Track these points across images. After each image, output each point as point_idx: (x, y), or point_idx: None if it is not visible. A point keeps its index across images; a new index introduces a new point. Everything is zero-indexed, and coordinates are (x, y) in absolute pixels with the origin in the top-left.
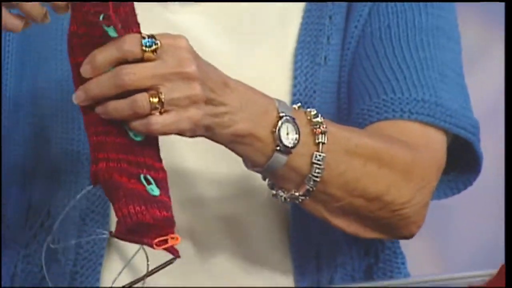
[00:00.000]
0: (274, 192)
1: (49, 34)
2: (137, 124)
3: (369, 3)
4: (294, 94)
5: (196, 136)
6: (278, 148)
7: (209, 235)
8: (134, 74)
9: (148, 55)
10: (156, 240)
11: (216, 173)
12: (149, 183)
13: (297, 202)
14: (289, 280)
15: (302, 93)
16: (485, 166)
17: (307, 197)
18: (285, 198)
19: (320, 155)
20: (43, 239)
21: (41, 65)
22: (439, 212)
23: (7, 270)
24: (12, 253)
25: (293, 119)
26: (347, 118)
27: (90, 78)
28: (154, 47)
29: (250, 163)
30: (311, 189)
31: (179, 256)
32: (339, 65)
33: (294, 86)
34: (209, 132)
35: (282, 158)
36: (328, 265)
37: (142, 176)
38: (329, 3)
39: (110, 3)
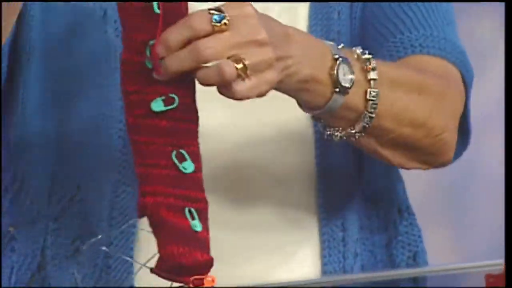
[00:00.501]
0: (328, 132)
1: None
2: (225, 91)
3: None
4: None
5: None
6: (337, 89)
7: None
8: (213, 47)
9: (219, 28)
10: (193, 279)
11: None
12: (192, 217)
13: (353, 139)
14: (315, 253)
15: None
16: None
17: (363, 134)
18: (340, 137)
19: (374, 91)
20: (74, 212)
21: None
22: (457, 201)
23: (33, 243)
24: (39, 227)
25: (347, 59)
26: None
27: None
28: (224, 21)
29: (309, 107)
30: (366, 125)
31: None
32: (350, 34)
33: None
34: (279, 84)
35: (340, 98)
36: (352, 239)
37: (187, 209)
38: None
39: (158, 33)
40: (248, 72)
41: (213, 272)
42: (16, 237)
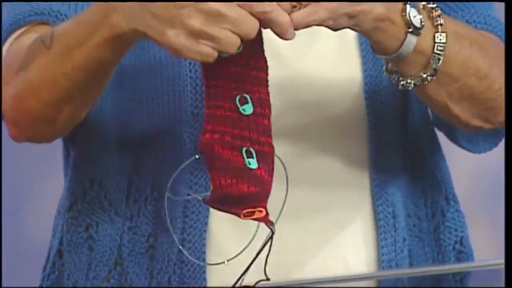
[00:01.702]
0: (403, 82)
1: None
2: (279, 29)
3: None
4: (364, 71)
5: (342, 27)
6: (410, 30)
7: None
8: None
9: None
10: (244, 211)
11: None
12: (249, 156)
13: (425, 83)
14: (371, 238)
15: (372, 69)
16: None
17: (434, 77)
18: (414, 84)
19: (441, 35)
20: (149, 211)
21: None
22: (499, 200)
23: (111, 241)
24: (117, 226)
25: (416, 4)
26: None
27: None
28: None
29: (384, 50)
30: (436, 68)
31: (273, 231)
32: None
33: (364, 63)
34: (353, 20)
35: (412, 40)
36: (401, 225)
37: (244, 149)
38: None
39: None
40: (305, 3)
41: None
42: (94, 237)
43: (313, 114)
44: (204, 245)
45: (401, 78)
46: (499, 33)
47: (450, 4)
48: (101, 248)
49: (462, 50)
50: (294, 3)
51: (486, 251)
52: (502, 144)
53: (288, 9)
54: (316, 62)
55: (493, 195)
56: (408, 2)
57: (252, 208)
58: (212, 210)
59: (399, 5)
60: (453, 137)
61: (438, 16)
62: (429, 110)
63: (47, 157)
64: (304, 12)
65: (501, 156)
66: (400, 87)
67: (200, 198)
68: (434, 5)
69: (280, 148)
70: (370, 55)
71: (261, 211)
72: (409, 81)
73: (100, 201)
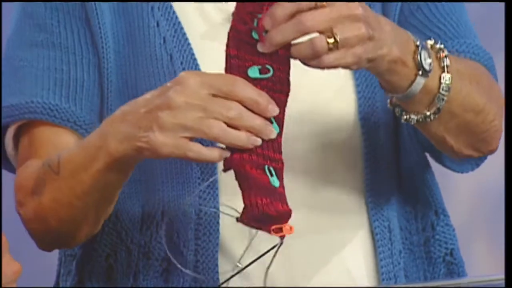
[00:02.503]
0: (405, 117)
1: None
2: (314, 63)
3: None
4: (356, 79)
5: (360, 68)
6: (420, 72)
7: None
8: (314, 19)
9: (320, 4)
10: (274, 227)
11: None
12: (271, 174)
13: (428, 120)
14: (370, 252)
15: (364, 91)
16: None
17: (437, 115)
18: (417, 120)
19: (447, 76)
20: (161, 236)
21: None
22: (498, 214)
23: (127, 268)
24: (132, 254)
25: (426, 46)
26: None
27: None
28: None
29: (393, 89)
30: (440, 107)
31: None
32: None
33: (356, 79)
34: (371, 63)
35: (421, 81)
36: (397, 238)
37: (266, 167)
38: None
39: (265, 8)
40: (339, 45)
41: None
42: (113, 266)
43: (312, 143)
44: (217, 265)
45: (404, 113)
46: (485, 63)
47: (441, 34)
48: (118, 276)
49: (463, 88)
50: (331, 44)
51: (486, 267)
52: (501, 155)
53: (324, 49)
54: (313, 94)
55: (494, 211)
56: (421, 44)
57: (280, 224)
58: (222, 231)
59: (412, 46)
60: (438, 158)
61: (445, 57)
62: (416, 132)
63: None
64: (334, 56)
65: (501, 173)
66: (402, 120)
67: (234, 215)
68: (442, 46)
69: None
70: (364, 86)
71: (290, 228)
72: (412, 116)
73: (118, 231)
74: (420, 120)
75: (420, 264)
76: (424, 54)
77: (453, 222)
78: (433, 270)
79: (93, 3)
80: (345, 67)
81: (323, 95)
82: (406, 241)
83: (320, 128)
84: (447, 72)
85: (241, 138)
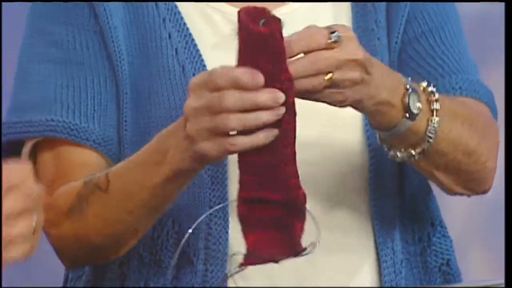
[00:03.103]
0: (392, 153)
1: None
2: (310, 96)
3: (403, 23)
4: (366, 131)
5: (345, 106)
6: (407, 115)
7: None
8: (327, 59)
9: (332, 45)
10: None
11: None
12: None
13: (413, 159)
14: (373, 262)
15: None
16: None
17: (421, 155)
18: (402, 158)
19: (435, 120)
20: (171, 245)
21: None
22: (495, 220)
23: (138, 276)
24: (144, 261)
25: (416, 90)
26: None
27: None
28: (337, 39)
29: (379, 128)
30: (426, 148)
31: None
32: (389, 60)
33: (366, 124)
34: (358, 104)
35: (408, 123)
36: (398, 248)
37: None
38: (371, 9)
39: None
40: (332, 84)
41: None
42: (125, 273)
43: (321, 171)
44: (226, 275)
45: (391, 149)
46: (485, 100)
47: (440, 70)
48: (130, 283)
49: (454, 130)
50: (329, 81)
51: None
52: (500, 162)
53: (322, 86)
54: (322, 121)
55: (491, 218)
56: (411, 87)
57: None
58: (232, 241)
59: (402, 90)
60: (431, 180)
61: (436, 100)
62: None
63: None
64: (324, 93)
65: (500, 180)
66: (389, 156)
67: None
68: (434, 89)
69: None
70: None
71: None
72: (398, 154)
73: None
74: (405, 158)
75: (416, 273)
76: (413, 97)
77: (450, 231)
78: (429, 279)
79: (105, 16)
80: (329, 103)
81: (333, 123)
82: (404, 250)
83: (329, 154)
84: (436, 115)
85: (261, 116)
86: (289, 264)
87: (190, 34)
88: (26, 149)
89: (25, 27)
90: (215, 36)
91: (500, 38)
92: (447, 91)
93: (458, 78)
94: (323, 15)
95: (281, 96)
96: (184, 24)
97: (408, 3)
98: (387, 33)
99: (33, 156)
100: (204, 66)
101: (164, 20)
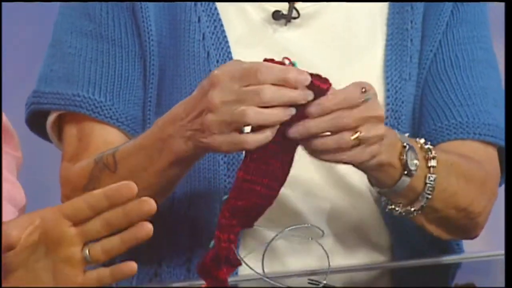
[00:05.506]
0: (390, 207)
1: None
2: (328, 157)
3: (441, 32)
4: (387, 104)
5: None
6: (405, 173)
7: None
8: (350, 117)
9: (356, 104)
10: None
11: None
12: None
13: (411, 216)
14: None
15: (393, 104)
16: None
17: (420, 211)
18: (400, 212)
19: (432, 177)
20: (187, 227)
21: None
22: (495, 220)
23: (153, 255)
24: (158, 241)
25: (413, 147)
26: (418, 129)
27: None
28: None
29: (378, 185)
30: (424, 204)
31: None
32: (416, 80)
33: (387, 97)
34: (362, 164)
35: (406, 180)
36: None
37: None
38: (409, 9)
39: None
40: (360, 142)
41: None
42: (139, 248)
43: (340, 220)
44: (236, 273)
45: (389, 204)
46: (499, 141)
47: (450, 119)
48: (145, 259)
49: (449, 187)
50: (355, 140)
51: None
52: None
53: (348, 145)
54: (338, 174)
55: (492, 218)
56: (408, 145)
57: None
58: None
59: (399, 147)
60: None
61: (433, 158)
62: None
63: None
64: (353, 153)
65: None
66: (387, 210)
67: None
68: (431, 146)
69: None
70: None
71: None
72: (397, 209)
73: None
74: (404, 214)
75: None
76: (410, 155)
77: None
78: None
79: None
80: (357, 163)
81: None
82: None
83: (345, 203)
84: (433, 173)
85: (277, 113)
86: None
87: (220, 20)
88: (51, 118)
89: None
90: (244, 25)
91: (500, 38)
92: (466, 135)
93: (480, 122)
94: (359, 11)
95: (310, 94)
96: (215, 9)
97: (447, 16)
98: (421, 38)
99: (58, 126)
100: (230, 53)
101: (195, 3)
